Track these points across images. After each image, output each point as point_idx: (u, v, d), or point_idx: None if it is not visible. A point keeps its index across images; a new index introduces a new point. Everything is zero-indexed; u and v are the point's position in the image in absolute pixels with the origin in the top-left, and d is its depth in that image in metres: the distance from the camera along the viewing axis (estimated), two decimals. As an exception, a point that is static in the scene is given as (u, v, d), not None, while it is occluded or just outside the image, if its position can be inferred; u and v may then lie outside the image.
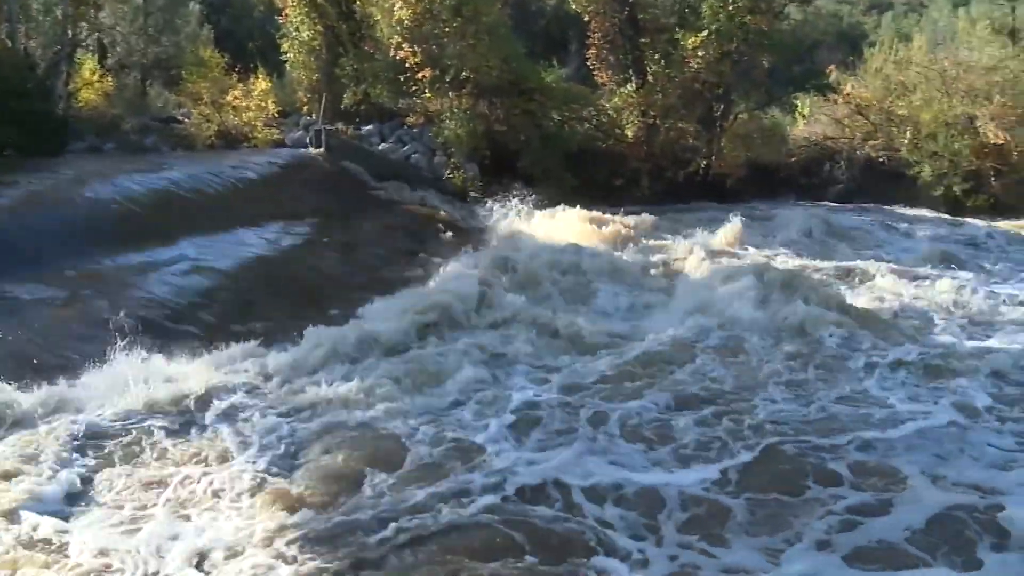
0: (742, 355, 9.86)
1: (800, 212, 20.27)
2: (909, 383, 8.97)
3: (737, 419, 7.82)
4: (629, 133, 23.76)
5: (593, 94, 24.85)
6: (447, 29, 22.01)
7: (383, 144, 23.53)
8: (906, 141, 24.44)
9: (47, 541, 5.52)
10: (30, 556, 5.31)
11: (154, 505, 6.05)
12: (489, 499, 6.16)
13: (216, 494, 6.22)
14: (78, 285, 10.21)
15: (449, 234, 16.95)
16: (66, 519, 5.80)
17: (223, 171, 16.90)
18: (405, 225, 17.51)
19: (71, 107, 21.10)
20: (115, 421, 7.36)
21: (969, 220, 21.19)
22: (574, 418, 7.82)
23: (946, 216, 21.79)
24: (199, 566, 5.33)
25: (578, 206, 18.54)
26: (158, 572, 5.23)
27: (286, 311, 10.16)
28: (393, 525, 5.78)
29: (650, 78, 23.47)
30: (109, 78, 21.96)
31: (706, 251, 15.37)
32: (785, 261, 15.19)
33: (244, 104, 22.63)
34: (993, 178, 22.85)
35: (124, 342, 8.26)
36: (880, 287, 13.41)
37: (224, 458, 6.83)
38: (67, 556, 5.36)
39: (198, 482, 6.41)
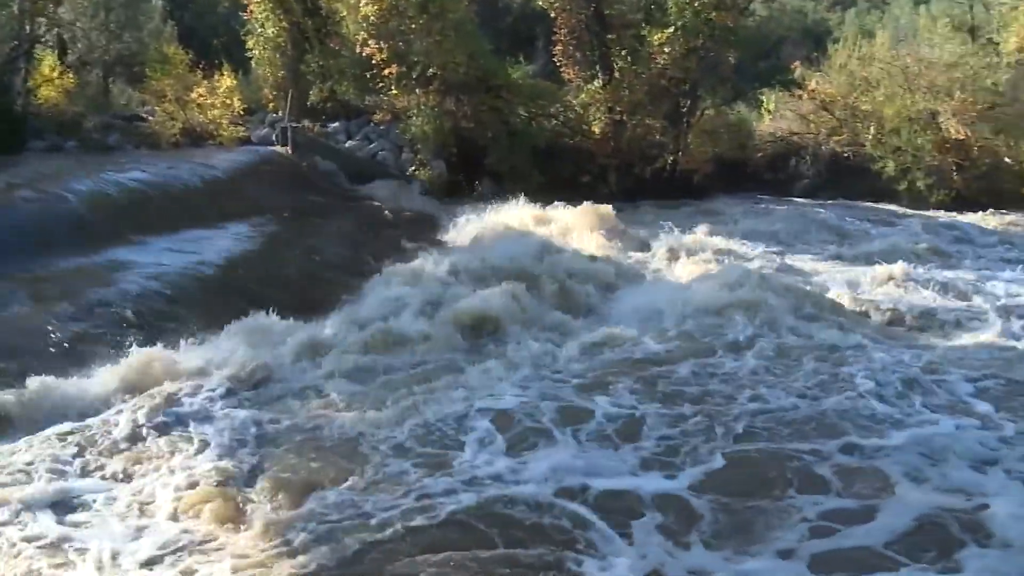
0: (712, 351, 9.86)
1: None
2: (890, 381, 8.84)
3: (711, 418, 7.76)
4: (596, 129, 23.80)
5: (560, 90, 24.83)
6: (413, 25, 21.92)
7: (350, 141, 23.48)
8: (870, 136, 24.70)
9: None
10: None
11: (113, 503, 6.02)
12: (457, 501, 6.11)
13: (176, 495, 6.14)
14: (34, 287, 10.02)
15: (416, 232, 16.89)
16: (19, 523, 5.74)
17: (187, 169, 16.74)
18: (372, 223, 17.45)
19: (30, 104, 20.73)
20: (76, 422, 7.30)
21: (933, 214, 21.50)
22: (544, 418, 7.75)
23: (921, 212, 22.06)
24: (155, 566, 5.29)
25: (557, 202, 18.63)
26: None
27: (247, 310, 10.03)
28: (360, 525, 5.76)
29: (617, 74, 23.50)
30: (70, 75, 21.64)
31: (677, 247, 15.46)
32: (748, 253, 15.29)
33: (209, 101, 22.41)
34: (955, 173, 23.12)
35: (82, 344, 8.17)
36: (854, 282, 13.49)
37: (186, 458, 6.76)
38: (17, 556, 5.31)
39: (159, 482, 6.35)
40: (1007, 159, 23.24)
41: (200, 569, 5.24)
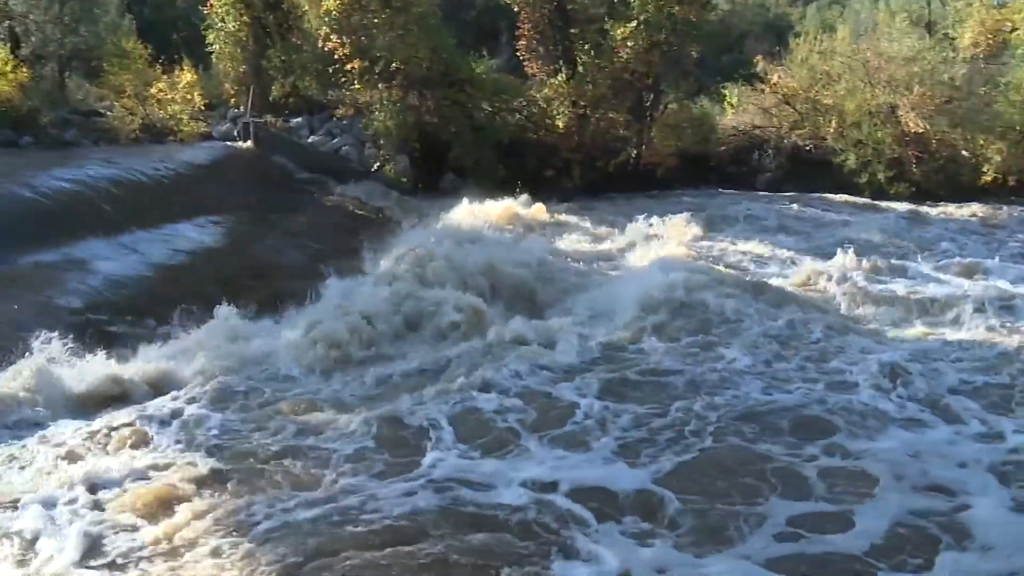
0: (685, 346, 9.86)
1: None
2: (871, 377, 8.76)
3: (679, 414, 7.71)
4: (560, 124, 23.84)
5: (524, 85, 24.88)
6: (376, 20, 21.84)
7: (313, 136, 23.33)
8: (831, 130, 24.97)
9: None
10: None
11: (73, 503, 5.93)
12: (420, 501, 6.06)
13: (135, 494, 6.07)
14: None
15: (378, 228, 16.79)
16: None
17: (148, 165, 16.49)
18: (335, 219, 17.36)
19: (-19, 98, 20.32)
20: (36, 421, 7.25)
21: (893, 205, 21.81)
22: (510, 416, 7.70)
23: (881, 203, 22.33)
24: (116, 566, 5.26)
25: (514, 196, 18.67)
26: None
27: (202, 310, 9.92)
28: (326, 524, 5.73)
29: (580, 68, 23.58)
30: (24, 69, 21.24)
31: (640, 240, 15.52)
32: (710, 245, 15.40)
33: (169, 97, 22.14)
34: (914, 165, 23.45)
35: (39, 341, 8.05)
36: (817, 272, 13.53)
37: (148, 456, 6.70)
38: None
39: (119, 480, 6.29)
40: (964, 152, 23.62)
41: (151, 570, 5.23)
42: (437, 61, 22.22)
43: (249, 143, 21.25)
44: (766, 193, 23.97)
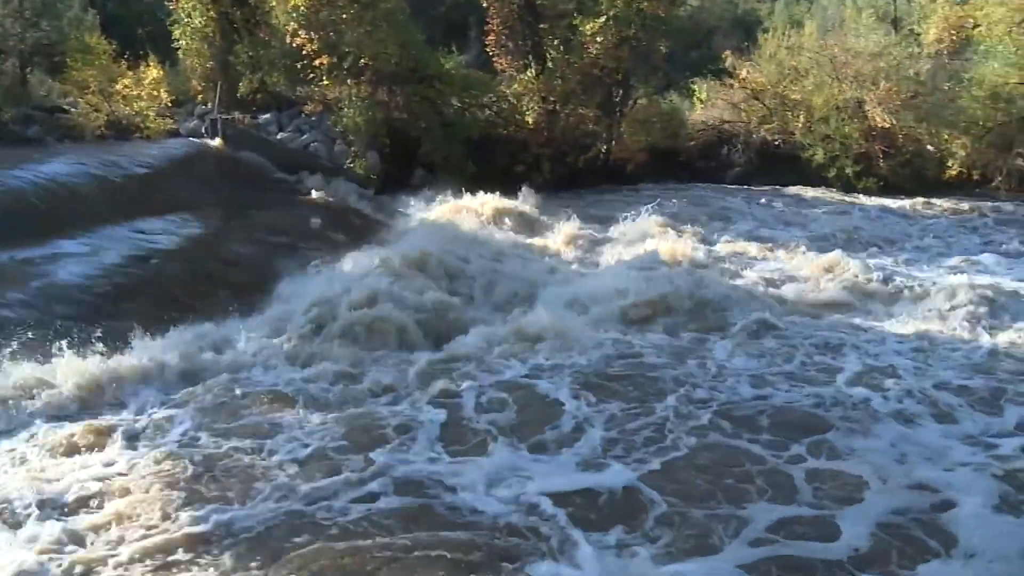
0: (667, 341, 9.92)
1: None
2: (856, 373, 8.87)
3: (658, 413, 7.72)
4: (529, 119, 23.85)
5: (493, 80, 24.83)
6: (344, 15, 21.68)
7: (281, 133, 23.10)
8: (800, 124, 25.16)
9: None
10: None
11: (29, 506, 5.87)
12: (390, 503, 6.07)
13: (98, 494, 6.06)
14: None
15: (348, 224, 16.73)
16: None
17: (113, 163, 16.26)
18: (305, 216, 17.18)
19: (-60, 95, 19.96)
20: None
21: (860, 200, 22.04)
22: (483, 415, 7.69)
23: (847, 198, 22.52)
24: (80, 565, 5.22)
25: (480, 192, 18.61)
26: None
27: (173, 306, 9.83)
28: (296, 523, 5.73)
29: (550, 64, 23.58)
30: (-17, 64, 20.89)
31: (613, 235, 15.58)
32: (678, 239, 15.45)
33: (135, 93, 21.82)
34: (881, 160, 23.69)
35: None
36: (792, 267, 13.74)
37: (112, 454, 6.69)
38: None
39: (84, 478, 6.29)
40: (929, 146, 23.90)
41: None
42: (406, 57, 22.11)
43: (217, 140, 21.05)
44: (736, 187, 24.14)
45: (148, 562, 5.29)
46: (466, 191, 18.80)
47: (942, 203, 21.18)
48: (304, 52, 21.75)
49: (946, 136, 23.48)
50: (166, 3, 24.26)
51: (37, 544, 5.43)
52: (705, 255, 14.35)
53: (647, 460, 6.79)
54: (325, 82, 22.46)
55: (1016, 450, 7.04)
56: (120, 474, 6.38)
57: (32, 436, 6.98)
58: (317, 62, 21.78)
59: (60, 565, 5.22)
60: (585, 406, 7.89)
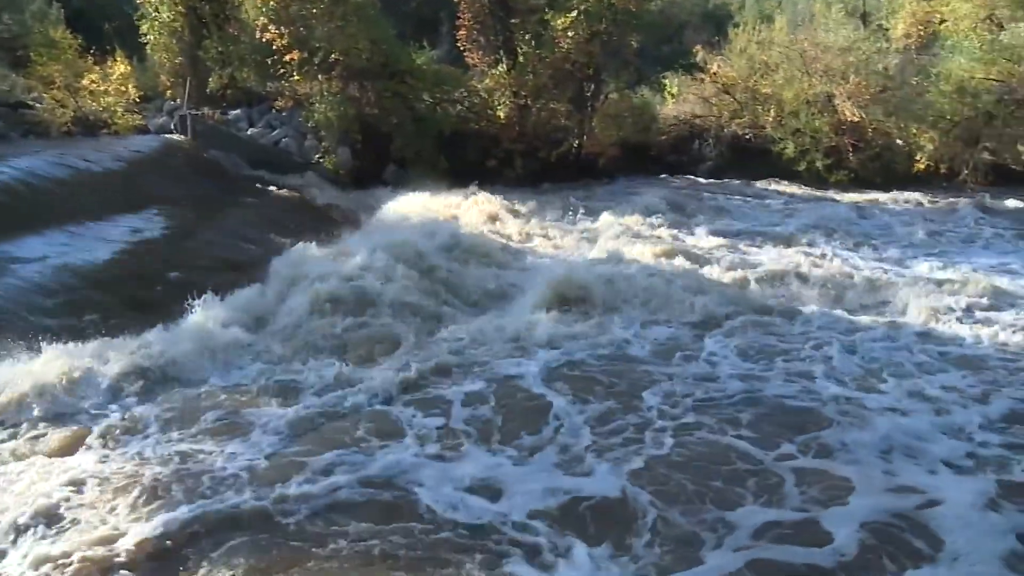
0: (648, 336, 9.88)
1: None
2: (840, 367, 8.85)
3: (635, 412, 7.64)
4: (501, 114, 23.81)
5: (464, 75, 24.78)
6: (315, 10, 21.56)
7: (252, 129, 23.00)
8: (770, 119, 25.31)
9: None
10: None
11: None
12: (363, 499, 6.03)
13: (55, 500, 5.96)
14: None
15: (320, 220, 16.62)
16: None
17: (80, 159, 16.08)
18: (276, 212, 17.10)
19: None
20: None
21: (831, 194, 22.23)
22: (458, 415, 7.62)
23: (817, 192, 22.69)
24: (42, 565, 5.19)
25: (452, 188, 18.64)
26: None
27: (134, 307, 9.73)
28: (261, 525, 5.69)
29: (521, 59, 23.54)
30: (-57, 59, 20.57)
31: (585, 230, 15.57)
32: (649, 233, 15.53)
33: (102, 89, 21.57)
34: (851, 153, 23.90)
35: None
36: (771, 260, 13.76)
37: (72, 458, 6.59)
38: None
39: (47, 476, 6.23)
40: (898, 140, 24.11)
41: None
42: (377, 52, 22.01)
43: (186, 136, 20.87)
44: (708, 181, 24.29)
45: (111, 562, 5.25)
46: (438, 186, 18.79)
47: (912, 196, 21.41)
48: (274, 47, 21.60)
49: (914, 130, 23.72)
50: (133, -3, 24.03)
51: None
52: (679, 249, 14.29)
53: (631, 458, 6.72)
54: (296, 77, 22.35)
55: (1003, 447, 7.02)
56: (76, 480, 6.26)
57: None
58: (287, 57, 21.64)
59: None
60: (567, 403, 7.81)
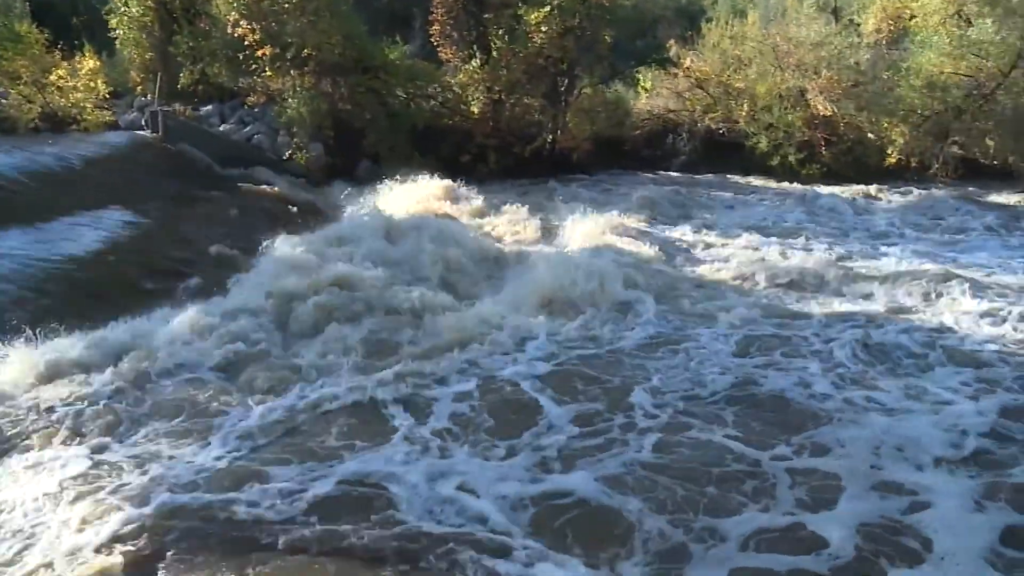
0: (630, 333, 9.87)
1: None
2: (829, 365, 8.80)
3: (620, 411, 7.59)
4: (475, 109, 23.79)
5: (438, 71, 24.71)
6: (286, 5, 21.45)
7: (224, 125, 22.80)
8: (743, 113, 25.47)
9: None
10: None
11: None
12: (333, 502, 5.98)
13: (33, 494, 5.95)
14: None
15: (293, 216, 16.51)
16: None
17: (47, 156, 15.87)
18: (247, 210, 16.93)
19: None
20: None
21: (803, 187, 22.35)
22: (437, 411, 7.56)
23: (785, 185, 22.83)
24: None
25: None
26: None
27: (100, 305, 9.62)
28: (232, 525, 5.65)
29: (494, 54, 23.50)
30: (-97, 53, 20.13)
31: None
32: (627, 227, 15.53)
33: (71, 84, 21.29)
34: (824, 148, 24.10)
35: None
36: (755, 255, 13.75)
37: (32, 454, 6.53)
38: None
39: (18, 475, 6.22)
40: (870, 134, 24.31)
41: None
42: (350, 47, 21.92)
43: (157, 133, 20.64)
44: (682, 175, 24.40)
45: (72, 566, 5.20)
46: (412, 182, 18.74)
47: (885, 190, 21.59)
48: (246, 42, 21.47)
49: (886, 124, 23.95)
50: (101, -9, 23.75)
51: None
52: (655, 243, 14.35)
53: (615, 461, 6.64)
54: (268, 73, 22.21)
55: (993, 445, 6.99)
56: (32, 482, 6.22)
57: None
58: (259, 53, 21.51)
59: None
60: (552, 403, 7.74)
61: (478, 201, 17.98)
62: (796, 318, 10.53)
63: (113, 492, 5.98)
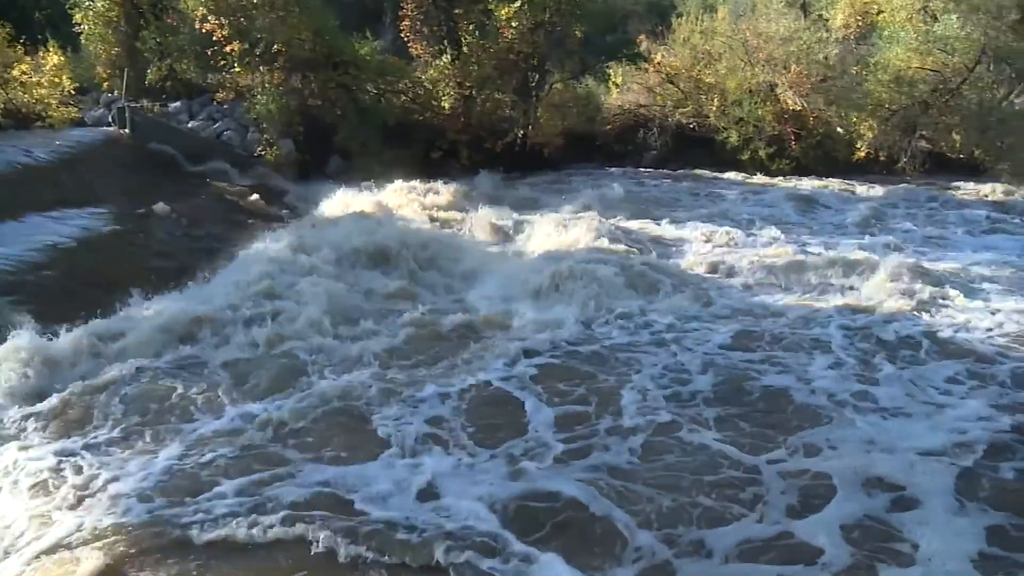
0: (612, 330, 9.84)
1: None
2: (827, 364, 8.74)
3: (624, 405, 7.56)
4: (446, 105, 23.75)
5: (408, 66, 24.62)
6: (255, 0, 21.20)
7: (192, 122, 22.57)
8: (714, 108, 25.63)
9: None
10: None
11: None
12: (304, 512, 5.86)
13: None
14: None
15: (263, 214, 16.43)
16: None
17: (10, 153, 15.63)
18: (217, 207, 16.82)
19: None
20: None
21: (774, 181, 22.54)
22: (417, 412, 7.45)
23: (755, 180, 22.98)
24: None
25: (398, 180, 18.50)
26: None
27: (68, 304, 9.51)
28: (206, 529, 5.60)
29: (465, 49, 23.49)
30: None
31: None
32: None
33: (35, 80, 20.96)
34: (793, 142, 24.31)
35: None
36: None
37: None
38: None
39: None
40: (839, 129, 24.53)
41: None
42: (320, 43, 21.77)
43: (124, 129, 20.40)
44: (653, 170, 24.50)
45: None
46: (383, 178, 18.65)
47: (855, 183, 21.80)
48: (214, 38, 21.26)
49: (854, 118, 24.17)
50: (64, -15, 23.39)
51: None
52: (630, 239, 14.33)
53: (602, 464, 6.52)
54: (237, 69, 22.01)
55: (981, 442, 6.91)
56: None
57: None
58: (228, 48, 21.31)
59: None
60: (535, 403, 7.63)
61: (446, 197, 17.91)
62: (775, 315, 10.48)
63: (73, 494, 5.93)
